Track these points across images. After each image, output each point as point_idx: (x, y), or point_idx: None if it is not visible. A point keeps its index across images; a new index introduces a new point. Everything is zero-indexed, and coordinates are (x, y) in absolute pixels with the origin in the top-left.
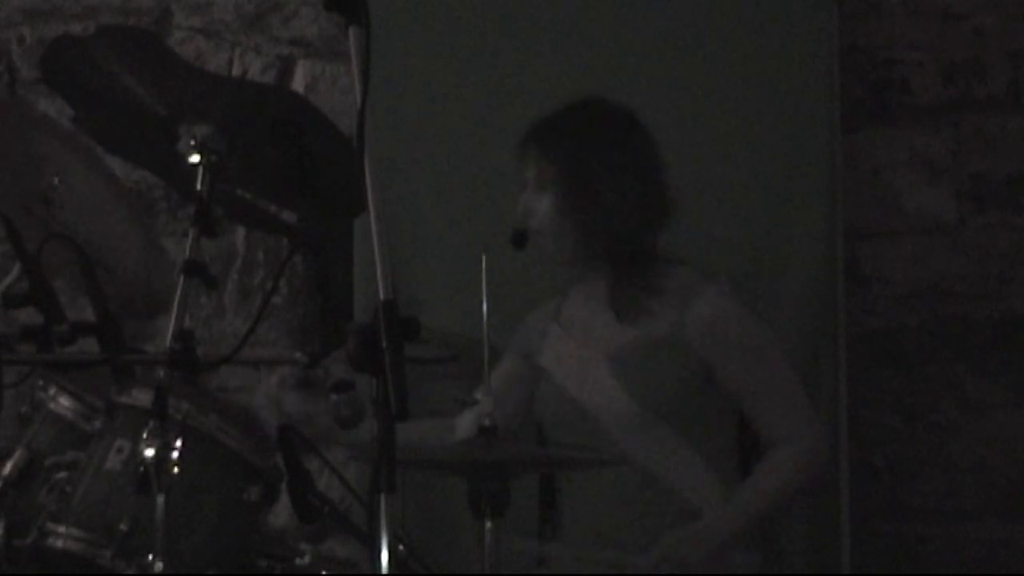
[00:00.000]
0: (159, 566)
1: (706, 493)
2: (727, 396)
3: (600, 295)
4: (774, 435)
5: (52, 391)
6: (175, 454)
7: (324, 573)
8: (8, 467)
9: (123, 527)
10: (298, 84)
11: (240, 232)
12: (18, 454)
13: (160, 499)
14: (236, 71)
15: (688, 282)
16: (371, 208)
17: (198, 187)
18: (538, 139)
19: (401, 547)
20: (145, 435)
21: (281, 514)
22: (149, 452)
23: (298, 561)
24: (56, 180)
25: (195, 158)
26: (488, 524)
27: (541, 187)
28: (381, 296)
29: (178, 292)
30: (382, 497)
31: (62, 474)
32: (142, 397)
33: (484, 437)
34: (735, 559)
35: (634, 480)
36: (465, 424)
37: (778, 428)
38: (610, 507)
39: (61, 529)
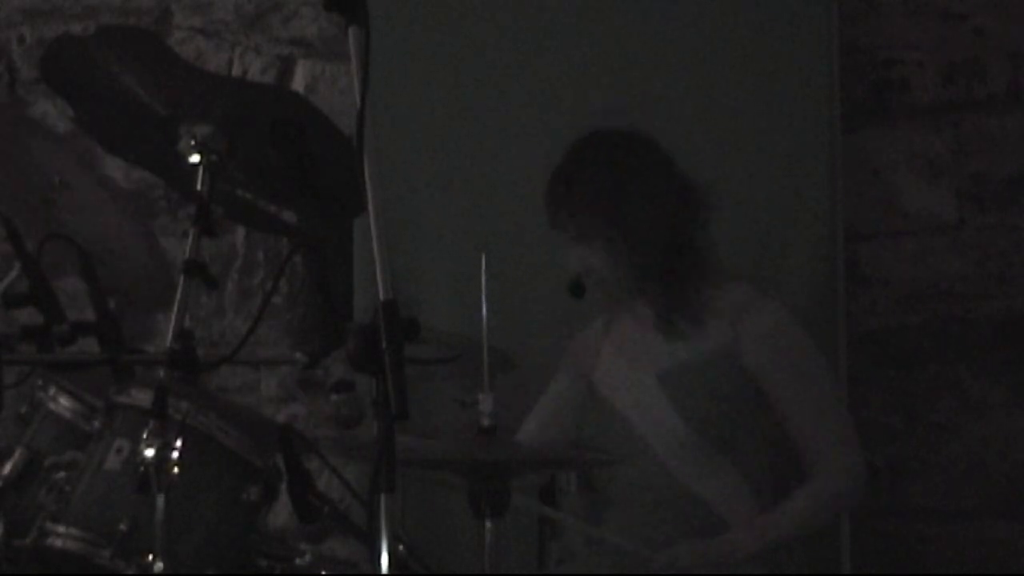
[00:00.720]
0: (159, 566)
1: (747, 518)
2: (772, 413)
3: (648, 316)
4: (814, 460)
5: (52, 391)
6: (175, 454)
7: (324, 573)
8: (8, 467)
9: (122, 527)
10: (298, 84)
11: (240, 232)
12: (17, 454)
13: (160, 499)
14: (236, 71)
15: (744, 298)
16: (371, 208)
17: (198, 187)
18: (565, 193)
19: (401, 547)
20: (145, 435)
21: (281, 514)
22: (149, 452)
23: (298, 561)
24: (57, 180)
25: (195, 158)
26: (488, 524)
27: (588, 239)
28: (381, 296)
29: (178, 292)
30: (382, 497)
31: (61, 474)
32: (142, 397)
33: (484, 437)
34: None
35: (674, 498)
36: None
37: (820, 454)
38: (648, 522)
39: (60, 529)
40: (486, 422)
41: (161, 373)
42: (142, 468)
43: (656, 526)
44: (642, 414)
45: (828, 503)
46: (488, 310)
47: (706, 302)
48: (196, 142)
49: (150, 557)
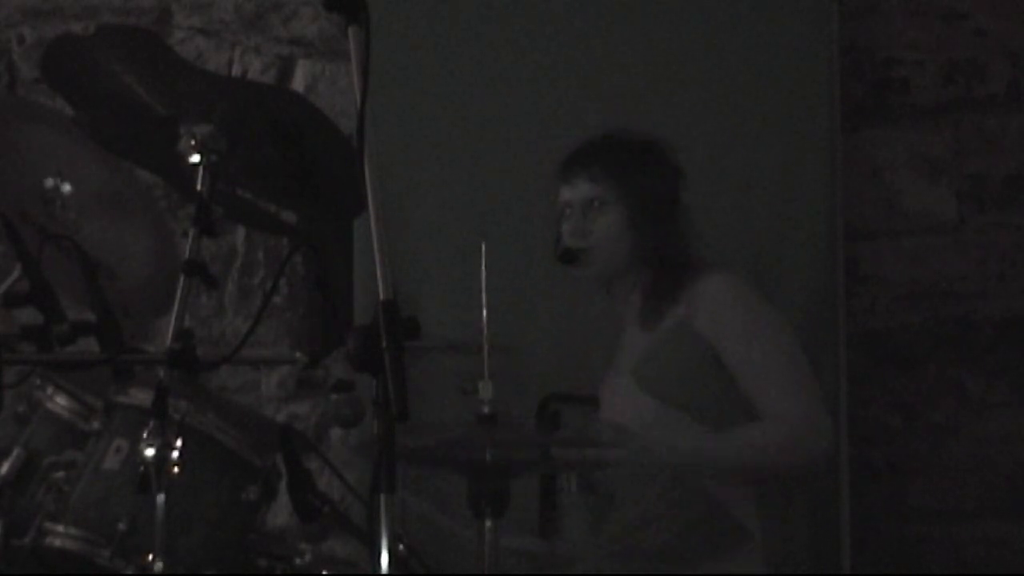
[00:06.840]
0: (158, 566)
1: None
2: (729, 373)
3: (633, 308)
4: (764, 410)
5: (49, 391)
6: (175, 454)
7: (324, 573)
8: (6, 467)
9: (121, 526)
10: (298, 84)
11: (240, 232)
12: (16, 454)
13: (160, 499)
14: (236, 71)
15: (696, 274)
16: (371, 208)
17: (198, 187)
18: (589, 163)
19: (401, 547)
20: (144, 435)
21: (281, 514)
22: (149, 452)
23: (298, 561)
24: (56, 180)
25: (195, 158)
26: (488, 524)
27: (599, 206)
28: (381, 296)
29: (178, 292)
30: (382, 497)
31: (60, 474)
32: (141, 397)
33: (483, 425)
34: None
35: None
36: None
37: (772, 406)
38: (640, 503)
39: (59, 528)
40: (486, 410)
41: (161, 373)
42: (142, 468)
43: (656, 509)
44: (616, 410)
45: (775, 442)
46: (488, 307)
47: (676, 290)
48: (196, 142)
49: (149, 557)
